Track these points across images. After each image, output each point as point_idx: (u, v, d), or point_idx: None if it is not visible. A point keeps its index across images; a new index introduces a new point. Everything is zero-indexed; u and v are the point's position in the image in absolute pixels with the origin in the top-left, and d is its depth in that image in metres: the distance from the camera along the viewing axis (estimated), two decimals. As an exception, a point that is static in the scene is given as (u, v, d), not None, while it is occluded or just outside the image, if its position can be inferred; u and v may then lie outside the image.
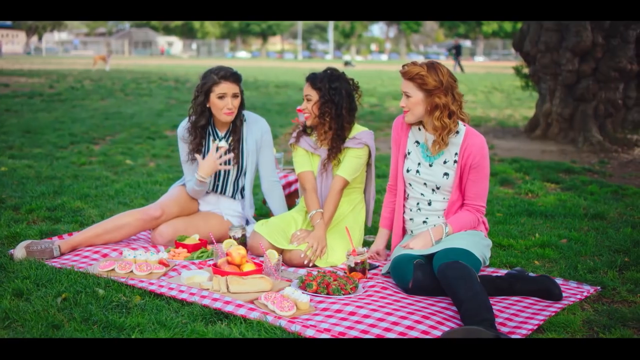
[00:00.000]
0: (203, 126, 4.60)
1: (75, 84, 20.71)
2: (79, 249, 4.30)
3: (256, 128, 4.69)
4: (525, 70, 11.65)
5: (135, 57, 64.56)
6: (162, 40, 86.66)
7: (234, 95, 4.50)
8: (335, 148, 4.35)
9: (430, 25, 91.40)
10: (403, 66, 3.89)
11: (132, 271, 3.87)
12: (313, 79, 4.37)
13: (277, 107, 15.07)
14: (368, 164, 4.50)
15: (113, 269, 3.87)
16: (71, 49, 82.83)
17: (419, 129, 4.03)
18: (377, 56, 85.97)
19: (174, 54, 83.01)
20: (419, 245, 3.85)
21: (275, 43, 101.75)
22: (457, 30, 79.13)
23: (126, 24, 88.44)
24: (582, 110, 9.91)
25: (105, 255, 4.21)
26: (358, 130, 4.41)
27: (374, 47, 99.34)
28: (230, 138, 4.64)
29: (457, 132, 3.89)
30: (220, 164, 4.50)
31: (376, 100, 17.95)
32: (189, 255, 4.27)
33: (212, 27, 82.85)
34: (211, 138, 4.65)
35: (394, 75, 29.67)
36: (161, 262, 4.03)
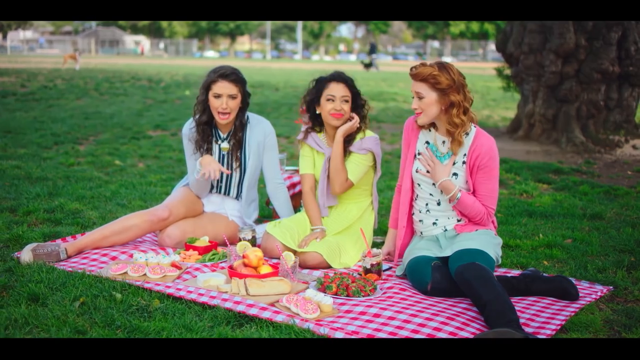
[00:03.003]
0: (205, 122, 4.55)
1: (47, 83, 20.38)
2: (85, 252, 4.23)
3: (259, 130, 4.64)
4: (507, 72, 11.74)
5: (103, 56, 63.76)
6: (129, 39, 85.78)
7: (231, 97, 4.43)
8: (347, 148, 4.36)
9: (398, 26, 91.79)
10: (412, 68, 3.88)
11: (145, 274, 3.81)
12: (348, 80, 4.39)
13: (256, 107, 14.98)
14: (375, 168, 4.51)
15: (126, 272, 3.81)
16: (36, 47, 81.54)
17: (429, 130, 4.03)
18: (345, 56, 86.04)
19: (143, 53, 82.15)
20: (438, 171, 3.89)
21: (244, 43, 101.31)
22: (425, 31, 79.60)
23: (92, 23, 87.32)
24: (565, 111, 10.03)
25: (114, 258, 4.15)
26: (365, 134, 4.42)
27: (342, 47, 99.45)
28: (232, 140, 4.59)
29: (467, 134, 3.90)
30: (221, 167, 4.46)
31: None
32: (200, 257, 4.22)
33: (180, 26, 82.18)
34: (213, 139, 4.60)
35: (365, 75, 29.68)
36: (173, 265, 3.97)
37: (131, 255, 4.18)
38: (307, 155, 4.55)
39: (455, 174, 3.92)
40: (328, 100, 4.36)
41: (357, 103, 4.41)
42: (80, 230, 4.79)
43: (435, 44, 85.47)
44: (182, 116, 12.65)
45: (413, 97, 3.90)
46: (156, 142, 9.37)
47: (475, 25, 71.56)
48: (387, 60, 65.36)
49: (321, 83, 4.43)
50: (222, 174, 4.62)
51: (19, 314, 3.19)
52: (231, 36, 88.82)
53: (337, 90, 4.35)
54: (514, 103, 15.74)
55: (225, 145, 4.57)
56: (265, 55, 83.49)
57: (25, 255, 4.01)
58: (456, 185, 3.88)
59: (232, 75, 4.44)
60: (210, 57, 75.37)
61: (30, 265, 3.90)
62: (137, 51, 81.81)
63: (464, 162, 3.90)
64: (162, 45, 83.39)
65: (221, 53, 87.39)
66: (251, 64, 47.63)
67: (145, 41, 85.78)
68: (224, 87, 4.41)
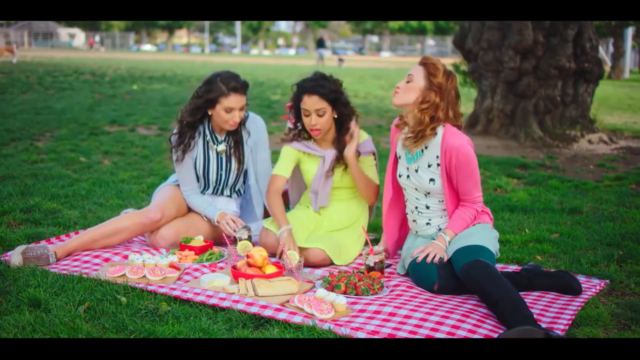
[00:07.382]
0: (191, 124, 4.41)
1: (-14, 76, 19.72)
2: (75, 254, 4.08)
3: (253, 127, 4.54)
4: (464, 67, 11.87)
5: (37, 49, 61.96)
6: (63, 32, 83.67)
7: (241, 109, 4.31)
8: (341, 150, 4.32)
9: (336, 21, 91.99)
10: (425, 56, 3.90)
11: (145, 276, 3.70)
12: (321, 89, 4.14)
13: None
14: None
15: (124, 274, 3.69)
16: (-35, 39, 78.69)
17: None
18: (284, 50, 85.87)
19: (77, 46, 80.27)
20: (436, 249, 3.81)
21: (182, 36, 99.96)
22: (364, 26, 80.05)
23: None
24: (523, 106, 10.21)
25: (107, 260, 4.01)
26: (362, 137, 4.38)
27: (281, 41, 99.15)
28: (230, 140, 4.48)
29: (436, 134, 3.84)
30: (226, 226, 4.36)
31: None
32: (197, 257, 4.12)
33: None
34: (208, 140, 4.46)
35: (305, 71, 29.63)
36: (172, 266, 3.87)
37: (125, 257, 4.05)
38: (287, 157, 4.37)
39: (432, 180, 3.88)
40: (305, 115, 4.20)
41: (340, 108, 4.23)
42: (63, 231, 4.62)
43: (374, 38, 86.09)
44: (136, 111, 12.39)
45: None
46: (117, 138, 9.15)
47: (413, 21, 72.25)
48: (327, 55, 65.40)
49: (298, 94, 4.21)
50: (219, 176, 4.51)
51: (25, 321, 3.05)
52: (169, 30, 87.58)
53: (310, 104, 4.14)
54: (467, 98, 15.96)
55: (222, 147, 4.45)
56: (204, 49, 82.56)
57: (15, 258, 3.85)
58: (445, 236, 3.83)
59: (243, 87, 4.29)
60: (148, 50, 74.15)
61: (21, 269, 3.74)
62: (71, 44, 79.90)
63: (438, 165, 3.86)
64: (97, 38, 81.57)
65: (159, 47, 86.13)
66: (191, 58, 47.04)
67: (80, 34, 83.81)
68: (236, 101, 4.25)
